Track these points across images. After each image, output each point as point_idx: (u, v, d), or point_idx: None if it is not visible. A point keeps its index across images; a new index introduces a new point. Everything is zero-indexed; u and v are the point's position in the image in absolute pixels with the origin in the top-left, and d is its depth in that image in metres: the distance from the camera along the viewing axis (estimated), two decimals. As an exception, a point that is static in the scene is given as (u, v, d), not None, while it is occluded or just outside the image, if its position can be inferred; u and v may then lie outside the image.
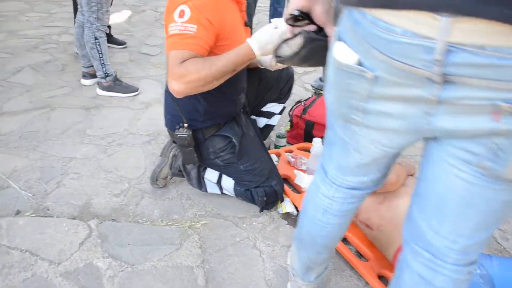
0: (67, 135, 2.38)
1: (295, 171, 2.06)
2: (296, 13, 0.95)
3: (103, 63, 2.75)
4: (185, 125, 1.69)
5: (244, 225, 1.84)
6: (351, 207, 1.12)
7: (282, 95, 2.08)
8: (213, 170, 1.89)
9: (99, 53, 2.71)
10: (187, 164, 1.84)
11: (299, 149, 2.37)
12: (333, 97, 0.89)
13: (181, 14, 1.41)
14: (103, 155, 2.23)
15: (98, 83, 2.86)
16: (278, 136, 2.33)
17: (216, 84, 1.47)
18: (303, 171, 2.14)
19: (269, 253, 1.66)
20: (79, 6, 2.75)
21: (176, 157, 1.92)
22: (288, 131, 2.43)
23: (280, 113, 2.17)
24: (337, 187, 1.07)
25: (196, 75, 1.38)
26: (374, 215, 1.65)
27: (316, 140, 2.01)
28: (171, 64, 1.40)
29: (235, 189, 1.88)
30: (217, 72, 1.43)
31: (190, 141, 1.70)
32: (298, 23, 0.98)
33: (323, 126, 2.35)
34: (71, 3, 4.76)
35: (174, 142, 1.90)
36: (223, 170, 1.85)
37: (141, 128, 2.51)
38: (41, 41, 3.73)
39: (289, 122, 2.43)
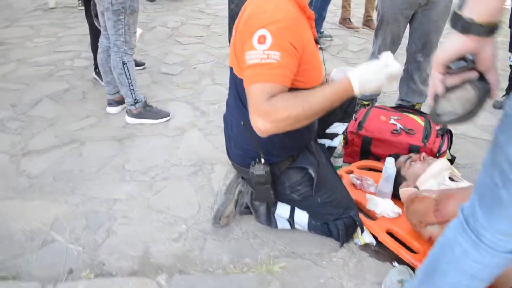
0: (105, 172, 2.17)
1: (368, 195, 1.86)
2: (470, 57, 0.75)
3: (132, 89, 2.55)
4: (262, 160, 1.49)
5: (324, 262, 1.65)
6: (504, 269, 0.95)
7: (346, 115, 1.88)
8: (284, 205, 1.69)
9: (128, 79, 2.51)
10: (261, 202, 1.63)
11: (359, 168, 2.18)
12: None
13: (262, 40, 1.21)
14: (149, 192, 2.02)
15: (127, 110, 2.65)
16: (335, 156, 2.13)
17: (307, 123, 1.27)
18: (373, 193, 1.95)
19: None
20: (102, 29, 2.55)
21: (242, 193, 1.71)
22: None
23: (343, 133, 1.97)
24: (496, 252, 0.90)
25: (285, 114, 1.19)
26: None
27: (389, 161, 1.81)
28: (255, 98, 1.21)
29: (309, 224, 1.69)
30: (311, 112, 1.23)
31: (268, 178, 1.50)
32: (453, 69, 0.78)
33: (381, 142, 2.16)
34: (77, 25, 4.61)
35: (242, 178, 1.69)
36: (298, 204, 1.65)
37: (182, 158, 2.31)
38: (55, 68, 3.51)
39: (343, 140, 2.23)
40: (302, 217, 1.69)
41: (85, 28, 3.30)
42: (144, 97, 2.68)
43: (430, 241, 1.61)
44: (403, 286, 1.41)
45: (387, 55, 1.28)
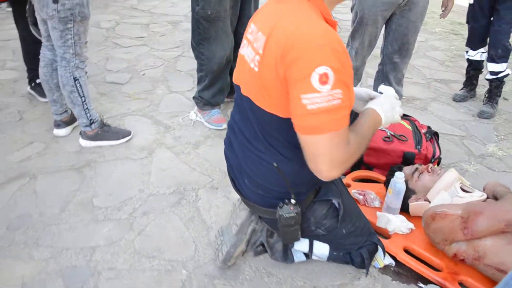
0: (71, 212, 1.83)
1: (378, 213, 1.75)
2: None
3: (87, 108, 2.19)
4: (293, 201, 1.29)
5: (350, 296, 1.51)
6: None
7: None
8: (303, 239, 1.51)
9: (81, 97, 2.15)
10: (286, 243, 1.44)
11: (354, 179, 2.08)
12: None
13: (324, 79, 1.00)
14: (131, 233, 1.73)
15: (80, 132, 2.29)
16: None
17: None
18: (378, 208, 1.85)
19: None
20: (43, 40, 2.15)
21: (256, 231, 1.51)
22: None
23: None
24: None
25: (356, 156, 1.14)
26: (510, 258, 1.41)
27: (399, 175, 1.71)
28: (326, 150, 1.06)
29: (330, 255, 1.54)
30: (365, 147, 1.21)
31: (299, 219, 1.31)
32: None
33: (373, 150, 2.07)
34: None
35: (259, 217, 1.48)
36: (321, 238, 1.49)
37: (159, 185, 2.03)
38: (-27, 83, 2.97)
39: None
40: (322, 249, 1.54)
41: (8, 32, 2.81)
42: (100, 116, 2.33)
43: (455, 257, 1.55)
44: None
45: (389, 88, 1.35)
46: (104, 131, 2.30)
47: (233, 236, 1.48)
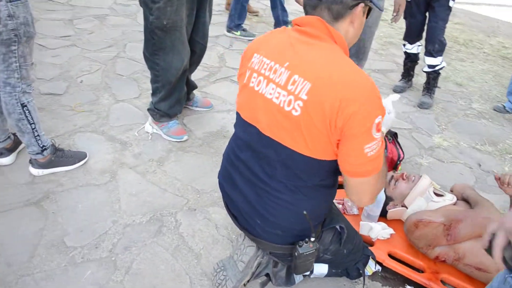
0: (43, 258, 1.66)
1: (361, 222, 1.84)
2: None
3: (38, 135, 1.97)
4: (312, 239, 1.30)
5: (348, 307, 1.59)
6: None
7: None
8: None
9: (30, 124, 1.92)
10: (299, 274, 1.45)
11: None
12: None
13: (379, 127, 1.11)
14: (118, 273, 1.63)
15: (31, 161, 2.06)
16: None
17: None
18: (356, 215, 1.95)
19: None
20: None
21: (261, 264, 1.50)
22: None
23: None
24: None
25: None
26: (487, 258, 1.58)
27: (379, 185, 1.80)
28: (375, 185, 1.21)
29: (329, 273, 1.60)
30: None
31: (316, 253, 1.33)
32: None
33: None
34: None
35: (270, 253, 1.46)
36: (326, 261, 1.53)
37: (132, 213, 1.92)
38: None
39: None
40: (321, 269, 1.59)
41: None
42: (52, 140, 2.11)
43: (436, 259, 1.69)
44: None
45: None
46: (58, 156, 2.10)
47: (239, 272, 1.46)
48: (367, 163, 1.12)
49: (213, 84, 3.23)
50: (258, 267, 1.49)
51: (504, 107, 3.25)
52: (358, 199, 1.24)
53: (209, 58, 3.50)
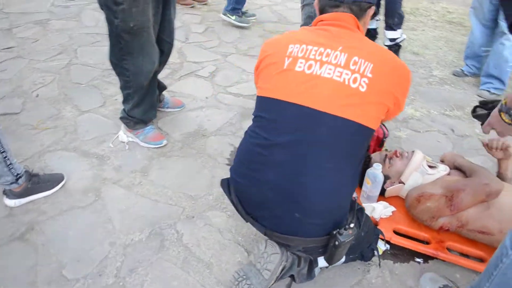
0: (42, 296, 1.54)
1: (364, 204, 1.86)
2: None
3: (10, 164, 1.80)
4: (352, 225, 1.33)
5: (368, 290, 1.61)
6: None
7: None
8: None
9: (1, 152, 1.75)
10: (333, 264, 1.46)
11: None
12: None
13: None
14: (131, 300, 1.54)
15: (5, 192, 1.89)
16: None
17: None
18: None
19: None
20: None
21: (285, 268, 1.46)
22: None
23: None
24: None
25: None
26: (489, 221, 1.65)
27: (377, 167, 1.82)
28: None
29: (346, 259, 1.60)
30: None
31: (353, 238, 1.36)
32: None
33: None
34: None
35: (301, 250, 1.44)
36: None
37: (129, 232, 1.82)
38: None
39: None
40: (339, 257, 1.59)
41: None
42: (25, 167, 1.94)
43: (441, 229, 1.75)
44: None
45: None
46: (34, 182, 1.94)
47: (264, 280, 1.42)
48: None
49: (179, 81, 3.11)
50: (282, 271, 1.45)
51: (463, 71, 3.39)
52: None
53: (168, 54, 3.36)
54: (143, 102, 2.27)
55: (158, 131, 2.43)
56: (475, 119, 1.33)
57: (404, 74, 1.39)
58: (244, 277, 1.45)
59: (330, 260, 1.40)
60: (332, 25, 1.42)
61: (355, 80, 1.29)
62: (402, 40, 3.11)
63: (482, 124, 1.30)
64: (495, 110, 1.21)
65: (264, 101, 1.42)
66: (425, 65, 3.59)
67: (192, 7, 4.43)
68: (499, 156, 1.85)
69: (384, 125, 2.26)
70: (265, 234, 1.46)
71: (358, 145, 1.37)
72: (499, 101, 1.23)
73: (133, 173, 2.16)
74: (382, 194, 1.92)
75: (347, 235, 1.31)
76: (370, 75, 1.29)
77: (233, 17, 4.06)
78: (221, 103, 2.87)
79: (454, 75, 3.41)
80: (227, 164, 2.26)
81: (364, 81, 1.29)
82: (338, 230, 1.32)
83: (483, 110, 1.30)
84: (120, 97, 2.70)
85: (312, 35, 1.42)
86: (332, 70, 1.31)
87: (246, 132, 1.50)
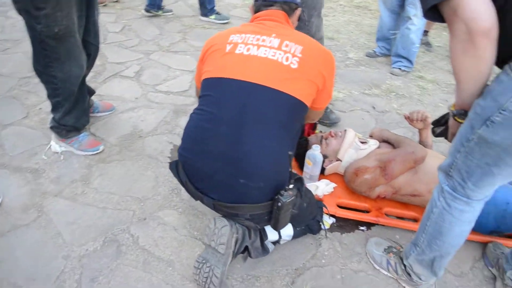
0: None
1: (307, 184, 1.99)
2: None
3: None
4: (291, 186, 1.46)
5: (323, 261, 1.78)
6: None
7: None
8: (271, 229, 1.63)
9: None
10: (280, 229, 1.57)
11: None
12: None
13: None
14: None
15: None
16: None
17: None
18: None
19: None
20: None
21: (238, 241, 1.54)
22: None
23: None
24: (483, 200, 1.33)
25: None
26: (418, 184, 1.88)
27: (316, 148, 1.96)
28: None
29: (295, 233, 1.74)
30: None
31: (296, 200, 1.50)
32: None
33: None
34: None
35: (248, 219, 1.54)
36: (292, 218, 1.62)
37: (81, 243, 1.77)
38: None
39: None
40: (288, 230, 1.71)
41: None
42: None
43: (378, 197, 1.94)
44: (406, 255, 1.62)
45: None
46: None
47: (221, 255, 1.49)
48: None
49: (104, 84, 3.02)
50: (236, 244, 1.53)
51: (375, 52, 3.70)
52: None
53: (89, 57, 3.23)
54: (75, 108, 2.19)
55: (92, 137, 2.36)
56: (438, 137, 1.48)
57: (329, 58, 1.61)
58: (204, 261, 1.51)
59: (276, 225, 1.52)
60: (266, 19, 1.66)
61: (287, 59, 1.50)
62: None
63: (446, 138, 1.42)
64: (450, 120, 1.32)
65: (209, 82, 1.57)
66: (341, 49, 3.85)
67: (104, 5, 4.27)
68: (420, 127, 2.08)
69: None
70: (214, 208, 1.55)
71: (293, 116, 1.53)
72: (447, 113, 1.38)
73: (74, 183, 2.09)
74: (322, 173, 2.07)
75: (288, 195, 1.43)
76: (300, 55, 1.51)
77: (213, 16, 4.25)
78: (152, 102, 2.85)
79: (367, 56, 3.70)
80: (170, 162, 2.27)
81: (295, 60, 1.51)
82: (279, 192, 1.45)
83: (440, 128, 1.45)
84: (44, 106, 2.59)
85: (250, 27, 1.64)
86: (268, 51, 1.52)
87: (191, 114, 1.60)
